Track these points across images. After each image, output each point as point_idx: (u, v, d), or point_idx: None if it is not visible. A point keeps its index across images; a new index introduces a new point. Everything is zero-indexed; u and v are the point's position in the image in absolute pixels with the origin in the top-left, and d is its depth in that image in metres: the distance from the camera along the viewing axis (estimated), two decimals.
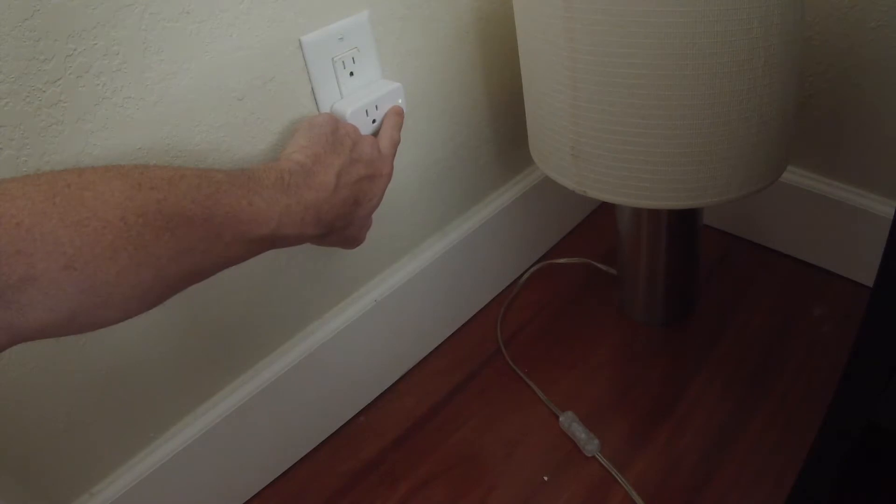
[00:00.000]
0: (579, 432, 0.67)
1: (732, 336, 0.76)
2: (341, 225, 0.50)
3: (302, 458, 0.71)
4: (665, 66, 0.49)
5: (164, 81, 0.47)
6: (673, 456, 0.65)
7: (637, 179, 0.56)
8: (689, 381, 0.72)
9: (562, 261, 0.91)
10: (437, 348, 0.81)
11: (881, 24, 0.64)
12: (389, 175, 0.55)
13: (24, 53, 0.39)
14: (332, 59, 0.55)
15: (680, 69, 0.49)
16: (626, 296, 0.81)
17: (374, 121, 0.57)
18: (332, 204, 0.48)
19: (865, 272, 0.79)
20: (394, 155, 0.57)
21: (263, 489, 0.68)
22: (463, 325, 0.84)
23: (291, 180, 0.45)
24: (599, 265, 0.88)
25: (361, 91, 0.58)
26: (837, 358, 0.72)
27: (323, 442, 0.72)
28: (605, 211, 0.99)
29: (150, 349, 0.54)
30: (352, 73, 0.57)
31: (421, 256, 0.74)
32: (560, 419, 0.69)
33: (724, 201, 0.56)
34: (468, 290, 0.83)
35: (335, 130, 0.51)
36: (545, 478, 0.65)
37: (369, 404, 0.76)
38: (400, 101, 0.59)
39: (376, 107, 0.57)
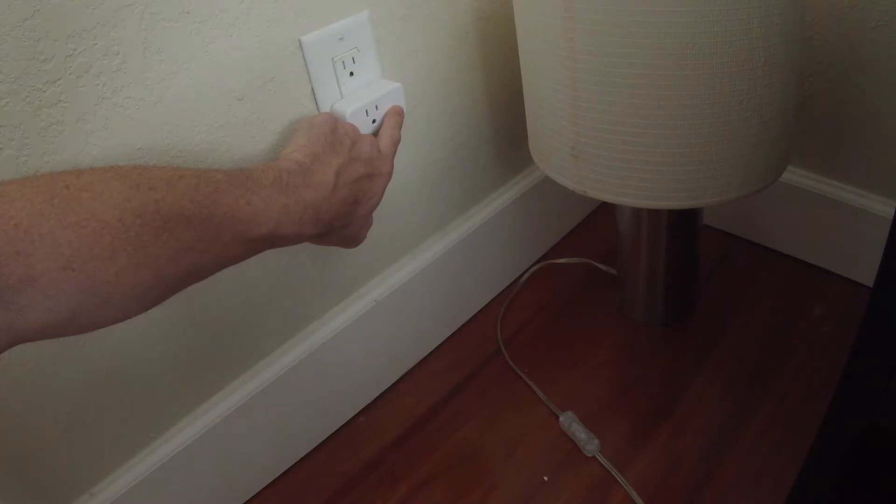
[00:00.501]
0: (579, 432, 0.67)
1: (732, 336, 0.76)
2: (340, 224, 0.50)
3: (302, 458, 0.71)
4: (665, 66, 0.49)
5: (164, 81, 0.47)
6: (673, 456, 0.65)
7: (637, 179, 0.56)
8: (689, 381, 0.72)
9: (562, 261, 0.91)
10: (437, 348, 0.81)
11: (881, 24, 0.64)
12: (389, 174, 0.55)
13: (24, 53, 0.39)
14: (332, 59, 0.55)
15: (680, 69, 0.49)
16: (626, 296, 0.81)
17: (374, 121, 0.57)
18: (331, 203, 0.48)
19: (865, 272, 0.79)
20: (394, 154, 0.57)
21: (263, 489, 0.68)
22: (463, 325, 0.84)
23: (290, 180, 0.45)
24: (599, 265, 0.88)
25: (361, 91, 0.58)
26: (837, 358, 0.72)
27: (323, 442, 0.72)
28: (605, 211, 0.98)
29: (149, 349, 0.54)
30: (352, 73, 0.57)
31: (421, 256, 0.74)
32: (560, 419, 0.69)
33: (724, 201, 0.56)
34: (468, 290, 0.83)
35: (334, 130, 0.51)
36: (545, 478, 0.65)
37: (369, 404, 0.76)
38: (400, 101, 0.59)
39: (376, 107, 0.57)
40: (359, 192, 0.51)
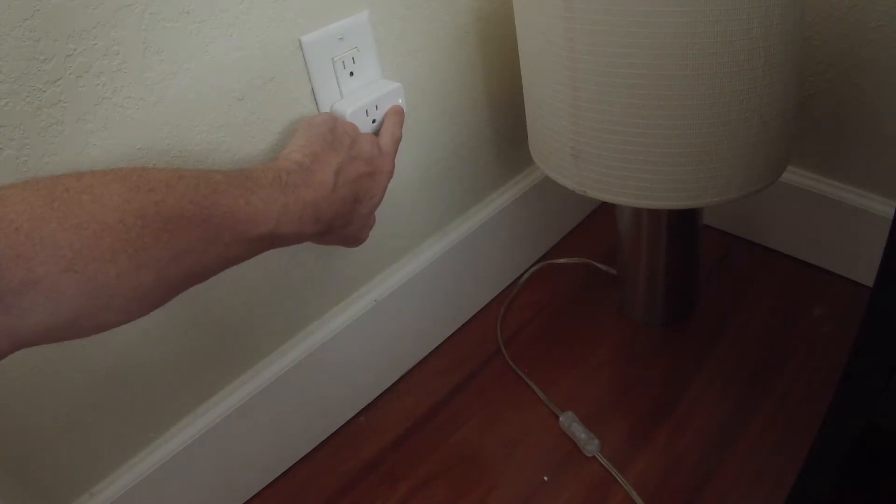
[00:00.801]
0: (579, 432, 0.67)
1: (732, 336, 0.76)
2: (341, 223, 0.50)
3: (302, 458, 0.71)
4: (665, 66, 0.49)
5: (164, 81, 0.47)
6: (673, 456, 0.65)
7: (637, 179, 0.56)
8: (689, 381, 0.72)
9: (562, 261, 0.91)
10: (437, 348, 0.81)
11: (881, 24, 0.64)
12: (391, 172, 0.55)
13: (24, 53, 0.39)
14: (332, 59, 0.55)
15: (680, 69, 0.49)
16: (626, 296, 0.81)
17: (374, 121, 0.57)
18: (331, 202, 0.48)
19: (865, 272, 0.79)
20: (395, 152, 0.56)
21: (263, 489, 0.68)
22: (463, 325, 0.84)
23: (289, 179, 0.45)
24: (599, 265, 0.88)
25: (361, 91, 0.58)
26: (837, 358, 0.72)
27: (323, 442, 0.72)
28: (605, 211, 0.98)
29: (150, 350, 0.54)
30: (352, 73, 0.57)
31: (421, 256, 0.74)
32: (560, 419, 0.69)
33: (724, 201, 0.56)
34: (468, 290, 0.83)
35: (333, 129, 0.51)
36: (545, 478, 0.65)
37: (369, 404, 0.76)
38: (400, 101, 0.59)
39: (376, 107, 0.57)
40: (359, 190, 0.51)
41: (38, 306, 0.31)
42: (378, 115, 0.58)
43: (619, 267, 0.80)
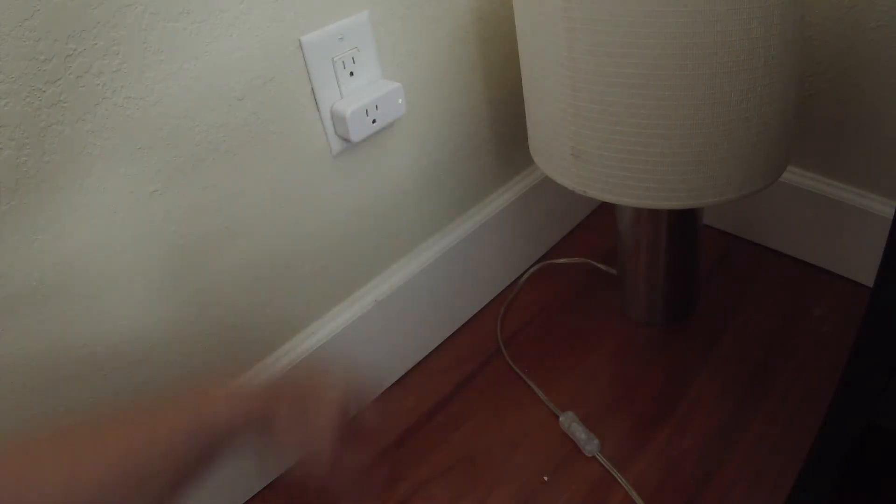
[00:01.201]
0: (579, 432, 0.67)
1: (732, 336, 0.76)
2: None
3: None
4: (665, 66, 0.49)
5: (164, 81, 0.47)
6: (673, 456, 0.65)
7: (637, 179, 0.56)
8: (689, 381, 0.72)
9: (562, 261, 0.90)
10: (437, 348, 0.81)
11: (881, 24, 0.64)
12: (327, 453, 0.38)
13: (24, 53, 0.39)
14: (332, 59, 0.55)
15: (680, 69, 0.49)
16: (626, 296, 0.81)
17: (374, 121, 0.57)
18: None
19: (865, 272, 0.78)
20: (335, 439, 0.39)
21: (263, 489, 0.68)
22: (463, 325, 0.84)
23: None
24: (599, 265, 0.87)
25: (361, 91, 0.58)
26: (837, 358, 0.72)
27: None
28: (605, 211, 0.98)
29: (151, 351, 0.54)
30: (352, 73, 0.57)
31: (421, 256, 0.74)
32: (560, 419, 0.69)
33: (724, 201, 0.56)
34: (468, 290, 0.83)
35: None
36: (545, 478, 0.65)
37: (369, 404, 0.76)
38: (400, 100, 0.59)
39: (376, 107, 0.57)
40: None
41: None
42: (378, 115, 0.58)
43: (619, 267, 0.80)
